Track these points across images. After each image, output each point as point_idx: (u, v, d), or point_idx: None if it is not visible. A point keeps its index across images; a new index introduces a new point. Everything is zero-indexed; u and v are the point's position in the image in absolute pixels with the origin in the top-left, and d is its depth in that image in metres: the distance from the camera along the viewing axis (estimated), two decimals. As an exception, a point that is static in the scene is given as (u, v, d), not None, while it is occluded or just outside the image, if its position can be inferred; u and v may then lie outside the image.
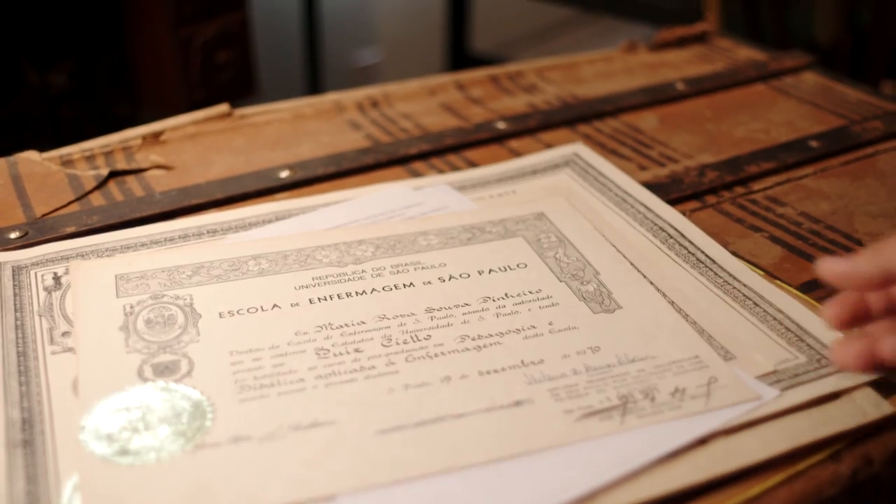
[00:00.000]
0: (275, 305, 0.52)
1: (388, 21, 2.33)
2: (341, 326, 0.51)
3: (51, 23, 1.36)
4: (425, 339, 0.50)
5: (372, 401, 0.45)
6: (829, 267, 0.47)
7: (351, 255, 0.57)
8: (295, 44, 2.07)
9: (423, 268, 0.56)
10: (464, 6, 2.19)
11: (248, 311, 0.52)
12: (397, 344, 0.49)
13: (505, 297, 0.54)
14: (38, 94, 1.36)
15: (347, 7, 2.20)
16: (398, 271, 0.56)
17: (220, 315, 0.51)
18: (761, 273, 0.57)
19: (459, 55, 2.23)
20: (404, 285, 0.55)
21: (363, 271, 0.56)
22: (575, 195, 0.65)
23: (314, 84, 1.96)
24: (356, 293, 0.54)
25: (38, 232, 0.60)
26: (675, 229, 0.60)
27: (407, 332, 0.50)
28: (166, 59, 1.36)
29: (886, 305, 0.48)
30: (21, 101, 1.35)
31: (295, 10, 2.04)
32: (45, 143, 1.37)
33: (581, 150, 0.70)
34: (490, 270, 0.56)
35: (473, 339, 0.50)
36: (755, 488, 0.42)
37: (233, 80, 1.43)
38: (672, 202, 0.65)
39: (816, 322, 0.51)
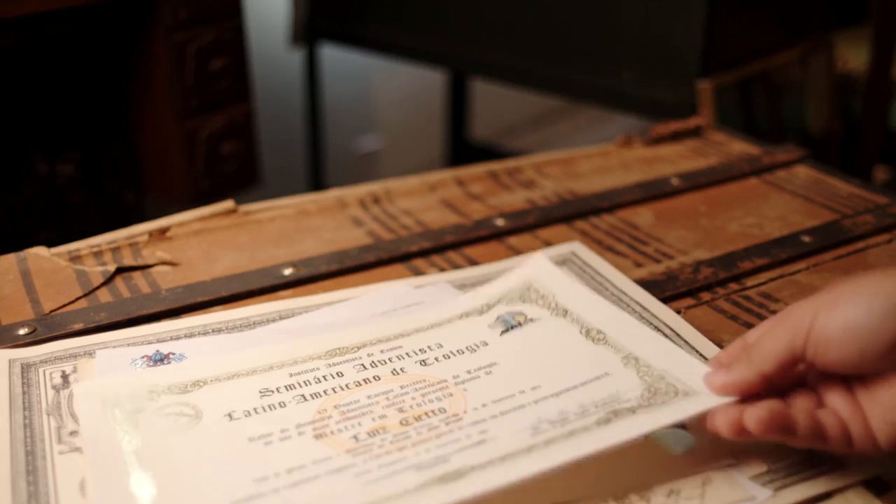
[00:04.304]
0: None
1: (389, 109, 2.37)
2: None
3: (60, 114, 1.39)
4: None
5: None
6: (711, 382, 0.49)
7: None
8: (298, 131, 2.10)
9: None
10: (463, 94, 2.23)
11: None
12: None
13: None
14: (47, 183, 1.39)
15: (349, 95, 2.23)
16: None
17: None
18: (755, 371, 0.57)
19: (459, 142, 2.26)
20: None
21: None
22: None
23: (316, 171, 1.99)
24: None
25: (46, 328, 0.61)
26: (670, 328, 0.61)
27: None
28: (172, 150, 1.39)
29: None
30: (29, 189, 1.37)
31: (297, 100, 2.07)
32: (51, 231, 1.39)
33: (578, 248, 0.72)
34: None
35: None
36: (750, 591, 0.43)
37: (237, 171, 1.46)
38: (667, 299, 0.66)
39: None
